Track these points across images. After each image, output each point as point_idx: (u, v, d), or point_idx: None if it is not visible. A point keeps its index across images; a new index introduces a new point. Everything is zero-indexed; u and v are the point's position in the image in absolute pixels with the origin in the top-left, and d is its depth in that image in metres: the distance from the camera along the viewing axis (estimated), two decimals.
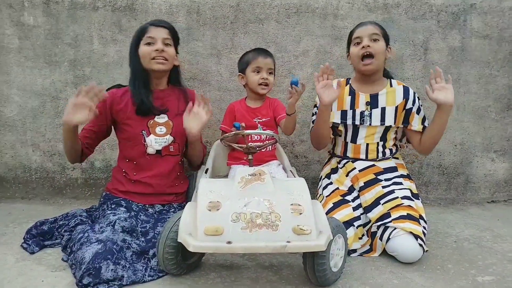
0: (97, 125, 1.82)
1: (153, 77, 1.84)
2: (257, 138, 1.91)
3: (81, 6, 2.26)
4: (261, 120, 1.94)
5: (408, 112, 1.85)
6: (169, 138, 1.83)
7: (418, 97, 1.88)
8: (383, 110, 1.84)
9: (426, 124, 1.86)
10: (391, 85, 1.88)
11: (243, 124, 1.85)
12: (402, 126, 1.87)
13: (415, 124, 1.85)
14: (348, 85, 1.91)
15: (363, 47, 1.77)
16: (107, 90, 1.80)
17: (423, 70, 2.37)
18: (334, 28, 2.33)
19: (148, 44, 1.77)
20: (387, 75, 1.94)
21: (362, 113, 1.85)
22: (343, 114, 1.87)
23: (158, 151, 1.82)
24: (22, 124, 2.33)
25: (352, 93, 1.88)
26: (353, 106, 1.87)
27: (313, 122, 1.92)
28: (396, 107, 1.84)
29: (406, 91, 1.86)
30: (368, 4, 2.33)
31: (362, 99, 1.86)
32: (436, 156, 2.47)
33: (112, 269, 1.33)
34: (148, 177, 1.80)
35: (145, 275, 1.41)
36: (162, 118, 1.84)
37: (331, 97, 1.68)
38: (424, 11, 2.35)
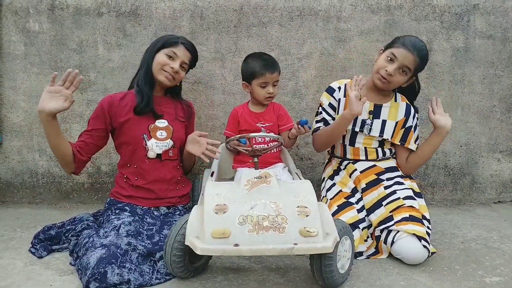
0: (94, 128, 1.79)
1: (157, 84, 1.88)
2: (261, 140, 1.92)
3: (85, 12, 2.28)
4: (264, 125, 1.95)
5: (407, 130, 1.86)
6: (169, 143, 1.85)
7: (417, 114, 1.91)
8: (384, 122, 1.85)
9: (417, 143, 1.90)
10: (395, 100, 1.89)
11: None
12: (399, 143, 1.87)
13: (412, 142, 1.87)
14: None
15: (389, 74, 1.73)
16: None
17: (427, 71, 2.37)
18: (337, 30, 2.33)
19: (169, 56, 1.82)
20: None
21: (364, 121, 1.85)
22: None
23: (158, 155, 1.84)
24: (29, 129, 2.34)
25: None
26: None
27: (317, 122, 1.93)
28: (396, 123, 1.85)
29: (408, 108, 1.88)
30: (371, 6, 2.33)
31: (366, 107, 1.85)
32: (441, 157, 2.46)
33: (117, 273, 1.33)
34: (149, 183, 1.82)
35: (152, 278, 1.41)
36: (162, 123, 1.86)
37: (361, 108, 1.71)
38: (427, 12, 2.35)
